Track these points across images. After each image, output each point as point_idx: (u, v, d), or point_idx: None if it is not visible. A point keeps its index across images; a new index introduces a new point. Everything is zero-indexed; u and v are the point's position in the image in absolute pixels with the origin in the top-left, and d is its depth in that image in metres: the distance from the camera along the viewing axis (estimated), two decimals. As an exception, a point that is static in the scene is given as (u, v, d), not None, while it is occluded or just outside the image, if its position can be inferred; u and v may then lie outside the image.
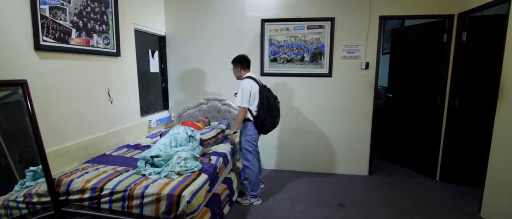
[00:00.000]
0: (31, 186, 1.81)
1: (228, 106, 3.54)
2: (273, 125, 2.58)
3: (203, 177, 1.97)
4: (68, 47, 2.13)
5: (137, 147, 2.68)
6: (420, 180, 3.30)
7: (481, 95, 2.92)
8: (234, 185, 2.71)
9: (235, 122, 2.60)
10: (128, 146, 2.70)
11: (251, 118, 2.56)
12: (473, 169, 2.94)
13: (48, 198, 1.75)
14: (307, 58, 3.36)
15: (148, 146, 2.67)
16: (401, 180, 3.31)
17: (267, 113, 2.51)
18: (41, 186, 1.78)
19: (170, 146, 2.33)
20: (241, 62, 2.66)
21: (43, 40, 1.93)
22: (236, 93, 2.58)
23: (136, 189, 1.75)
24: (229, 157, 2.65)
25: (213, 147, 2.71)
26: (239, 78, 2.71)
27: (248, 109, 2.54)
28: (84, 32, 2.27)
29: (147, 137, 3.09)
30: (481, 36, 2.89)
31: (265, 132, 2.60)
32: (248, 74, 2.66)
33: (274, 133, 3.51)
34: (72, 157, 2.22)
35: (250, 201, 2.69)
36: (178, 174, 1.95)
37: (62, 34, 2.07)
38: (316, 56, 3.34)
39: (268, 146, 3.58)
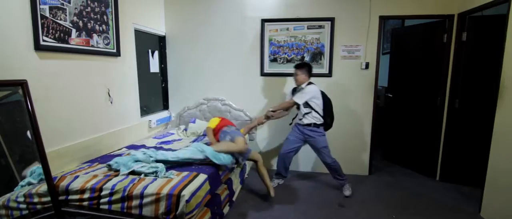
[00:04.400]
0: (33, 184, 1.82)
1: (228, 106, 3.54)
2: (333, 120, 2.95)
3: (202, 177, 1.97)
4: (68, 47, 2.13)
5: (143, 147, 2.64)
6: (420, 180, 3.30)
7: (481, 95, 2.92)
8: (234, 185, 2.70)
9: (280, 105, 2.86)
10: (133, 146, 2.68)
11: (321, 122, 2.81)
12: (473, 169, 2.94)
13: (48, 198, 1.75)
14: (307, 58, 3.35)
15: (154, 147, 2.66)
16: (401, 180, 3.31)
17: (330, 112, 2.88)
18: (41, 186, 1.78)
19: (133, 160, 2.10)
20: (309, 69, 2.83)
21: (43, 40, 1.93)
22: (294, 91, 2.86)
23: (136, 189, 1.75)
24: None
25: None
26: (300, 84, 2.83)
27: (316, 111, 2.77)
28: (84, 32, 2.27)
29: (154, 137, 3.06)
30: (481, 36, 2.89)
31: (329, 128, 2.94)
32: (310, 80, 2.84)
33: (274, 133, 3.52)
34: (72, 157, 2.22)
35: (349, 189, 2.91)
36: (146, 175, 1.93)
37: (62, 34, 2.07)
38: (316, 56, 3.34)
39: (268, 146, 3.58)
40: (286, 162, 2.98)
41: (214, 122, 2.85)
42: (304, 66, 2.82)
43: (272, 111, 2.84)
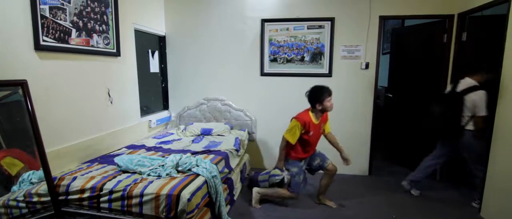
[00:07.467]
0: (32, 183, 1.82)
1: (228, 106, 3.54)
2: None
3: (202, 178, 1.97)
4: (68, 47, 2.13)
5: (142, 147, 2.66)
6: (420, 180, 3.30)
7: (481, 95, 2.91)
8: (235, 185, 2.71)
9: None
10: (133, 146, 2.69)
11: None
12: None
13: (48, 198, 1.75)
14: (307, 58, 3.36)
15: (154, 147, 2.67)
16: (401, 180, 3.29)
17: None
18: (41, 186, 1.78)
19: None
20: None
21: (43, 40, 1.93)
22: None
23: (136, 188, 1.75)
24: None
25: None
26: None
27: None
28: (84, 32, 2.27)
29: (153, 137, 3.06)
30: (481, 36, 2.89)
31: None
32: None
33: (275, 133, 3.51)
34: (72, 157, 2.22)
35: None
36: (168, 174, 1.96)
37: (62, 34, 2.07)
38: (316, 56, 3.34)
39: (269, 146, 3.58)
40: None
41: (295, 132, 2.43)
42: None
43: None
